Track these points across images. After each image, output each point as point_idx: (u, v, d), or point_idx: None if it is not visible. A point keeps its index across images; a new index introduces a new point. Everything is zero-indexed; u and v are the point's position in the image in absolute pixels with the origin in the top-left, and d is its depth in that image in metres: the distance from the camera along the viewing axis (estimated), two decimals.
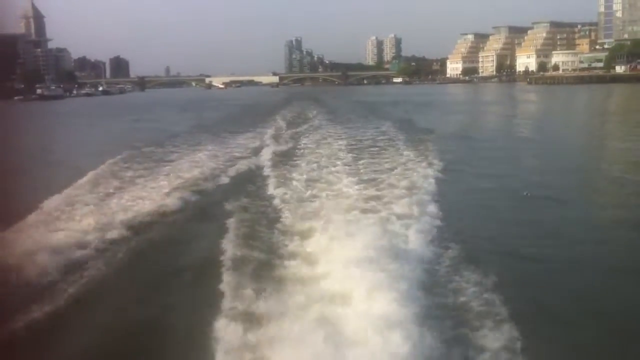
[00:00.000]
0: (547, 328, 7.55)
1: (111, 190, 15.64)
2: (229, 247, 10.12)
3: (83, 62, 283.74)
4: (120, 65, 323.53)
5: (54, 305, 8.29)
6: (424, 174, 17.16)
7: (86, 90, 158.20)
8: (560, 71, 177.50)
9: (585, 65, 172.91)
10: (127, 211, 12.95)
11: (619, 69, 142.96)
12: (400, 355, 6.26)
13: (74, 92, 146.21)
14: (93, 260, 10.04)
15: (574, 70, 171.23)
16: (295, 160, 20.50)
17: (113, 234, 11.30)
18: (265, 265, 9.19)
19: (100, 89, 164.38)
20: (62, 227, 11.72)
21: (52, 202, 14.10)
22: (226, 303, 7.77)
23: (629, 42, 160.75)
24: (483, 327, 6.99)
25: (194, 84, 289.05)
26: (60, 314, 8.08)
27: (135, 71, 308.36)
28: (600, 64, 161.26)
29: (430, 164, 18.81)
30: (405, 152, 21.60)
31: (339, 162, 19.60)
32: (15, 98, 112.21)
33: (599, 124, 41.56)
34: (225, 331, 7.03)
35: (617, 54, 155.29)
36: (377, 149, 23.33)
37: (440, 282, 8.42)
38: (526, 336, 6.78)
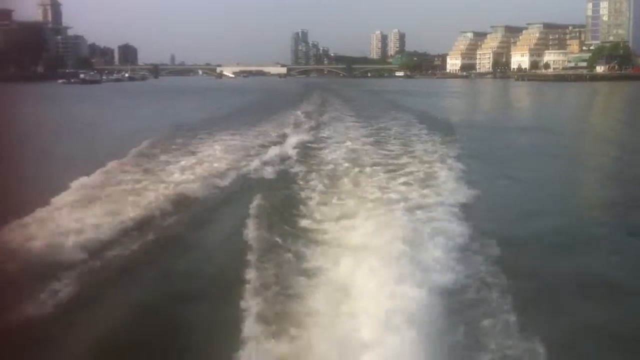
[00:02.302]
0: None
1: (126, 183, 14.56)
2: (249, 241, 9.84)
3: (93, 49, 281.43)
4: (129, 52, 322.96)
5: (68, 293, 8.06)
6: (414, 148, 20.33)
7: (115, 76, 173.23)
8: (552, 69, 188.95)
9: (573, 64, 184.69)
10: (141, 203, 12.32)
11: (599, 69, 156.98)
12: (418, 354, 6.08)
13: (104, 77, 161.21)
14: (109, 251, 9.72)
15: (564, 69, 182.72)
16: (322, 148, 20.83)
17: (128, 224, 10.89)
18: (287, 260, 8.89)
19: (127, 75, 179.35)
20: (89, 210, 11.44)
21: (83, 181, 14.07)
22: (246, 297, 7.51)
23: (608, 45, 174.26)
24: (504, 337, 6.62)
25: (200, 72, 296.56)
26: (74, 304, 7.82)
27: (141, 59, 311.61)
28: (585, 64, 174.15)
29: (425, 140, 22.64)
30: (415, 131, 26.02)
31: (364, 153, 19.49)
32: (59, 81, 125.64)
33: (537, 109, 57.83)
34: (244, 327, 6.80)
35: (598, 55, 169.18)
36: (394, 133, 25.89)
37: (462, 283, 7.99)
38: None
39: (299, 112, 37.80)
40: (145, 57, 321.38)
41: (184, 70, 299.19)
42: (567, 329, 7.36)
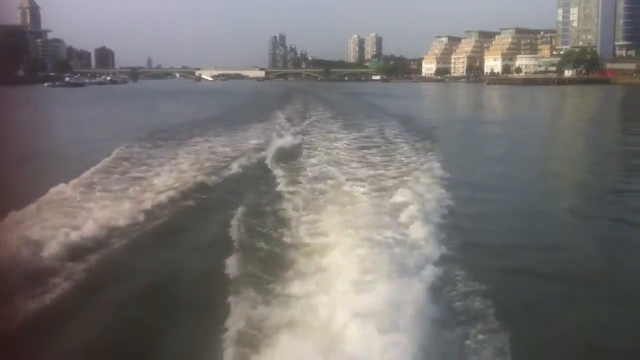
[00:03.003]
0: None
1: (114, 184, 15.01)
2: (233, 244, 9.80)
3: (70, 52, 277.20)
4: (105, 56, 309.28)
5: (57, 296, 8.03)
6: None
7: (98, 79, 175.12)
8: (523, 73, 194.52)
9: (543, 68, 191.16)
10: (129, 205, 12.41)
11: (567, 73, 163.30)
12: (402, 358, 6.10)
13: (87, 80, 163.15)
14: (94, 254, 9.64)
15: (535, 73, 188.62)
16: (303, 151, 21.35)
17: (114, 229, 10.86)
18: (270, 263, 8.98)
19: (109, 78, 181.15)
20: (71, 217, 11.46)
21: (61, 189, 13.94)
22: (230, 301, 7.49)
23: (577, 50, 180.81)
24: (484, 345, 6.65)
25: (177, 75, 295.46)
26: (64, 306, 7.80)
27: (118, 62, 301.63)
28: (555, 68, 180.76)
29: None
30: (387, 125, 31.09)
31: (344, 150, 21.82)
32: (45, 84, 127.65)
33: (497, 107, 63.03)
34: (230, 329, 6.81)
35: (566, 59, 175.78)
36: (372, 134, 27.97)
37: (446, 288, 8.08)
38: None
39: (281, 114, 39.68)
40: (121, 60, 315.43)
41: (162, 74, 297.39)
42: (551, 337, 7.37)
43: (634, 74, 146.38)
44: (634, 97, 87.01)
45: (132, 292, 8.49)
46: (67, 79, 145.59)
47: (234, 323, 6.96)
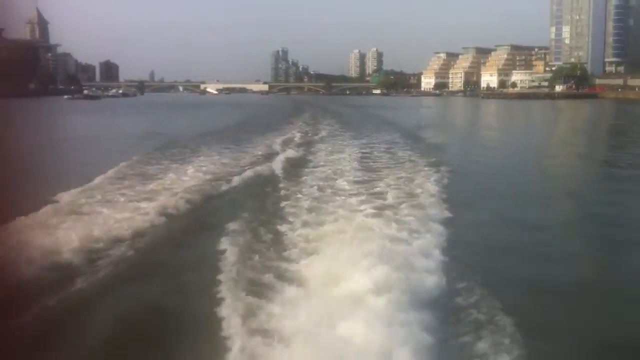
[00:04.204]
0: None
1: (120, 191, 15.49)
2: (233, 256, 9.89)
3: (75, 66, 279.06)
4: (110, 69, 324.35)
5: (60, 301, 8.21)
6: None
7: (111, 92, 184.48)
8: (518, 88, 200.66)
9: (536, 83, 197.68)
10: (133, 213, 12.68)
11: (558, 88, 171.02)
12: None
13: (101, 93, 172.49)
14: (95, 262, 9.83)
15: (529, 88, 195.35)
16: (310, 162, 22.26)
17: (116, 239, 11.00)
18: (269, 274, 9.03)
19: (120, 91, 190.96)
20: (73, 224, 11.64)
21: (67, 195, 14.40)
22: (228, 318, 7.53)
23: (567, 66, 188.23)
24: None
25: (181, 88, 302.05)
26: (65, 311, 8.00)
27: (121, 75, 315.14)
28: (547, 83, 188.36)
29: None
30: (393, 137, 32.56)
31: (349, 165, 21.67)
32: (65, 97, 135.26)
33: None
34: (228, 338, 7.00)
35: (558, 75, 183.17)
36: (378, 144, 29.48)
37: (448, 298, 8.22)
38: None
39: (296, 123, 43.64)
40: (124, 73, 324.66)
41: (167, 87, 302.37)
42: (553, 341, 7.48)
43: (619, 89, 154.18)
44: (609, 110, 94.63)
45: (132, 302, 8.54)
46: (85, 92, 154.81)
47: (236, 332, 7.12)
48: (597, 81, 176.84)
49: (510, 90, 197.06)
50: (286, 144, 29.09)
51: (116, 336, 7.54)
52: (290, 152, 24.70)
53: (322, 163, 22.24)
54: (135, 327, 7.76)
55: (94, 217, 12.45)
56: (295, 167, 20.54)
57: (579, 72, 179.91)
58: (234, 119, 56.67)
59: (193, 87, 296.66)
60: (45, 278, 8.80)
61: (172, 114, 79.91)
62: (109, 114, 78.58)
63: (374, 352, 6.43)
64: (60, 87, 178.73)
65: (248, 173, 18.58)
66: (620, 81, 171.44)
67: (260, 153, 24.97)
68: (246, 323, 7.31)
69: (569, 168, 26.48)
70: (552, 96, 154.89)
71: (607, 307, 8.78)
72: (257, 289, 8.35)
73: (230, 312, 7.66)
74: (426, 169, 20.12)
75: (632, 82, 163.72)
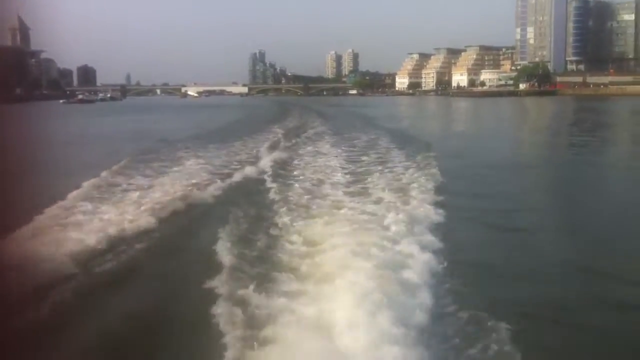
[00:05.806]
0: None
1: (113, 194, 15.40)
2: (226, 258, 9.77)
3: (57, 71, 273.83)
4: (87, 73, 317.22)
5: (57, 305, 8.22)
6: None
7: (100, 96, 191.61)
8: (487, 87, 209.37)
9: (503, 82, 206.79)
10: (130, 214, 12.64)
11: (522, 86, 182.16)
12: None
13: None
14: (95, 261, 9.97)
15: (498, 86, 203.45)
16: (296, 163, 21.70)
17: (114, 238, 11.04)
18: (262, 274, 9.02)
19: (109, 96, 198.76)
20: (68, 228, 11.60)
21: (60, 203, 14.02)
22: (220, 322, 7.43)
23: (531, 65, 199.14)
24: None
25: (158, 91, 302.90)
26: (62, 315, 8.02)
27: (99, 79, 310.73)
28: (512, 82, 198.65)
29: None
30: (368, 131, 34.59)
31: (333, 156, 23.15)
32: (61, 101, 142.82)
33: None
34: (223, 338, 6.96)
35: (522, 74, 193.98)
36: (359, 141, 29.96)
37: (440, 298, 8.09)
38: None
39: (280, 125, 44.01)
40: (101, 77, 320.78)
41: (146, 91, 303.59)
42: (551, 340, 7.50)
43: (576, 86, 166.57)
44: (561, 103, 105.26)
45: (129, 304, 8.61)
46: (80, 96, 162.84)
47: (231, 334, 7.08)
48: (559, 79, 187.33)
49: (478, 88, 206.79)
50: (273, 142, 30.08)
51: (115, 336, 7.61)
52: (278, 152, 24.77)
53: (310, 161, 22.43)
54: (133, 327, 7.81)
55: (92, 217, 12.67)
56: (283, 166, 20.82)
57: (540, 70, 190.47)
58: (224, 119, 61.05)
59: (174, 90, 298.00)
60: (41, 281, 8.77)
61: (171, 114, 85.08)
62: (115, 115, 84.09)
63: (366, 351, 6.50)
64: (44, 92, 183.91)
65: (236, 174, 18.77)
66: (580, 79, 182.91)
67: (248, 152, 25.74)
68: (241, 323, 7.33)
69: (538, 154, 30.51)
70: (515, 94, 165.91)
71: (607, 307, 8.69)
72: (252, 289, 8.26)
73: (224, 312, 7.64)
74: (410, 163, 20.78)
75: (590, 79, 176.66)
